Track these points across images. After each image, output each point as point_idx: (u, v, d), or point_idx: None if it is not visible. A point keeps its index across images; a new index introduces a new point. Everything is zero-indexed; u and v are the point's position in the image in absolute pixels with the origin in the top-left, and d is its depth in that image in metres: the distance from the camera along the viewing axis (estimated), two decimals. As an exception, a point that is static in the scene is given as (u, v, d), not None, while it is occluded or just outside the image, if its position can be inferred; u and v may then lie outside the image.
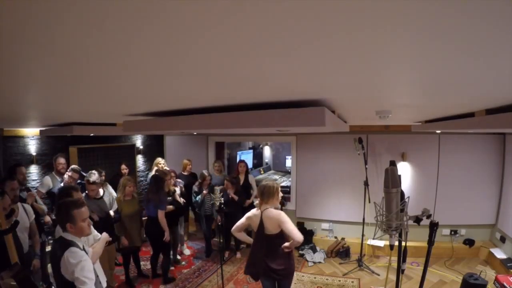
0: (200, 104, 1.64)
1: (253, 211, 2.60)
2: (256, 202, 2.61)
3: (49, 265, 3.21)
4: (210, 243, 4.69)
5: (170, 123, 1.95)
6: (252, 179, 4.98)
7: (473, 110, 1.96)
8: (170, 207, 3.94)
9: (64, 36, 0.54)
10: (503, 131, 4.06)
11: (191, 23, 0.49)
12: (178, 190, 4.26)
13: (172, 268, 4.14)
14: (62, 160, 3.81)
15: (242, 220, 2.65)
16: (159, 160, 4.98)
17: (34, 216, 2.84)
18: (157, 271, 3.90)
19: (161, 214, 3.51)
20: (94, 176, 3.15)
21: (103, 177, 3.91)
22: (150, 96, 1.36)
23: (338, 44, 0.61)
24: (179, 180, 4.54)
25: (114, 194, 3.74)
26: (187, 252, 4.74)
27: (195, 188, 4.44)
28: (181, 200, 4.17)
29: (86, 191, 3.14)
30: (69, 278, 1.64)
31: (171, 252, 4.27)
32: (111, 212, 3.35)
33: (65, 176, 3.52)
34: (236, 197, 4.29)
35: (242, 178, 4.85)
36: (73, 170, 3.56)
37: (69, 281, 1.65)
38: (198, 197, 4.33)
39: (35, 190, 3.56)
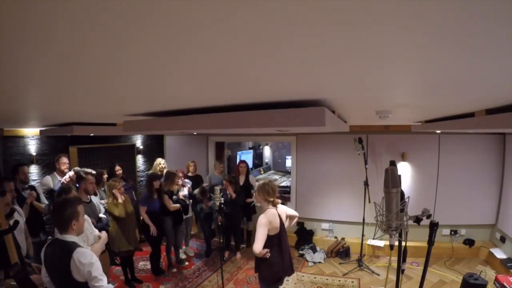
0: (200, 104, 1.64)
1: (267, 214, 2.38)
2: (279, 201, 2.49)
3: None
4: (210, 243, 4.68)
5: (170, 123, 1.95)
6: (253, 180, 4.92)
7: (473, 110, 1.96)
8: (177, 205, 3.99)
9: (61, 37, 0.54)
10: (503, 131, 4.06)
11: (188, 24, 0.49)
12: (186, 190, 4.33)
13: (175, 270, 4.11)
14: (65, 160, 3.83)
15: (262, 232, 2.30)
16: (159, 160, 4.98)
17: (25, 217, 2.84)
18: (159, 270, 3.94)
19: (142, 211, 3.70)
20: (89, 169, 3.14)
21: (106, 177, 3.91)
22: (149, 96, 1.36)
23: (338, 44, 0.61)
24: (187, 180, 4.53)
25: (101, 199, 3.66)
26: (190, 253, 4.70)
27: (198, 194, 4.42)
28: (187, 199, 4.20)
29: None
30: (83, 279, 1.60)
31: (174, 252, 4.32)
32: (101, 215, 3.29)
33: (66, 176, 3.50)
34: (234, 195, 4.29)
35: (242, 178, 4.81)
36: (75, 172, 3.53)
37: (81, 283, 1.61)
38: (199, 205, 4.35)
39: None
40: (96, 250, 2.10)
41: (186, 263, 4.36)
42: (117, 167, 4.50)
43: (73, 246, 1.68)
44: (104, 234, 2.37)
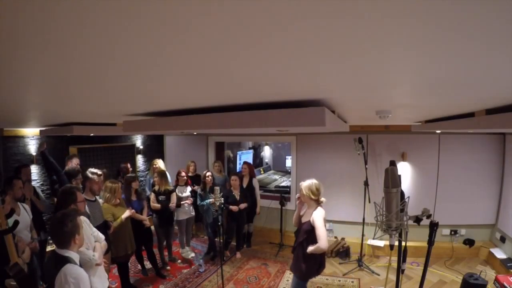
0: (200, 104, 1.64)
1: (321, 211, 2.62)
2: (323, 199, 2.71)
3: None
4: (216, 249, 4.46)
5: (170, 123, 1.95)
6: (256, 183, 4.83)
7: (473, 110, 1.96)
8: (157, 205, 3.98)
9: (60, 38, 0.54)
10: (503, 131, 4.06)
11: (187, 23, 0.49)
12: (188, 191, 4.37)
13: (168, 268, 4.14)
14: (77, 160, 3.91)
15: (325, 229, 2.54)
16: (155, 161, 5.00)
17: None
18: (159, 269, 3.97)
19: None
20: (96, 169, 3.12)
21: (102, 176, 3.90)
22: (149, 96, 1.36)
23: (338, 44, 0.61)
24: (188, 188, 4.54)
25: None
26: (188, 254, 4.62)
27: (199, 191, 4.35)
28: (175, 199, 4.19)
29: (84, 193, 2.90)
30: None
31: (167, 250, 4.36)
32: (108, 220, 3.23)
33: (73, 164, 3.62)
34: (235, 208, 4.33)
35: (246, 180, 4.78)
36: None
37: None
38: (205, 202, 4.23)
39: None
40: (99, 255, 2.08)
41: (179, 261, 4.37)
42: (129, 164, 4.75)
43: (65, 260, 1.61)
44: (98, 245, 2.30)
